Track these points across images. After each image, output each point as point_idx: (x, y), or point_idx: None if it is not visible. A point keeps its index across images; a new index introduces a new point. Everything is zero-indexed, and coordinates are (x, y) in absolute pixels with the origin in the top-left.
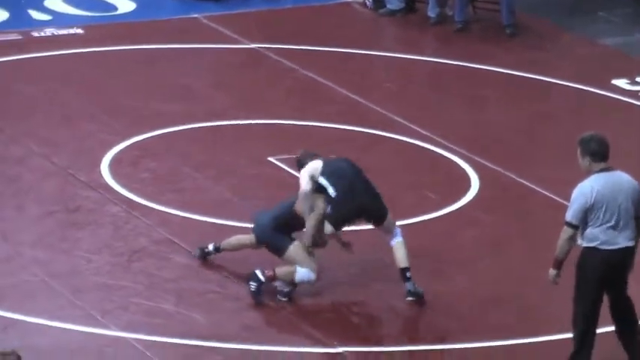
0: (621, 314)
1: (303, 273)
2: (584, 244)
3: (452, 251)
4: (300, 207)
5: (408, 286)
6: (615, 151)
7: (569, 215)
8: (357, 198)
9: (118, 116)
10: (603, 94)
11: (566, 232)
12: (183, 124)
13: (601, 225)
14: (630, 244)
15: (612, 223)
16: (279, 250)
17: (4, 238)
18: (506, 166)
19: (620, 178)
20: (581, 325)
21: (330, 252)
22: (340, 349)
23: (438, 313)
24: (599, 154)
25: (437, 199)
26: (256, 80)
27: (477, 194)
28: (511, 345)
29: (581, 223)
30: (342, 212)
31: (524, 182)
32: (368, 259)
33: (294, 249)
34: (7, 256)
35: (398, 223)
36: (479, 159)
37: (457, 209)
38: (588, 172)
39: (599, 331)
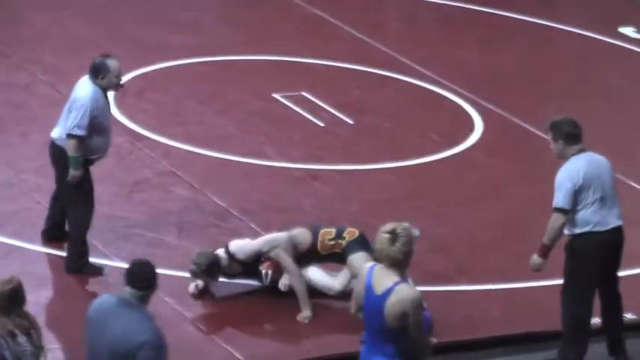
0: (610, 309)
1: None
2: (577, 231)
3: (453, 194)
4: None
5: None
6: (618, 98)
7: (560, 201)
8: None
9: (123, 46)
10: (609, 42)
11: (558, 219)
12: (190, 57)
13: (592, 206)
14: (620, 222)
15: (601, 202)
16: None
17: (7, 164)
18: (511, 110)
19: (597, 157)
20: (578, 324)
21: None
22: None
23: (439, 254)
24: (574, 136)
25: (440, 141)
26: (264, 16)
27: (480, 138)
28: (510, 288)
29: (572, 208)
30: None
31: (528, 127)
32: None
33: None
34: (10, 183)
35: (400, 164)
36: (484, 102)
37: (460, 152)
38: (562, 157)
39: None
